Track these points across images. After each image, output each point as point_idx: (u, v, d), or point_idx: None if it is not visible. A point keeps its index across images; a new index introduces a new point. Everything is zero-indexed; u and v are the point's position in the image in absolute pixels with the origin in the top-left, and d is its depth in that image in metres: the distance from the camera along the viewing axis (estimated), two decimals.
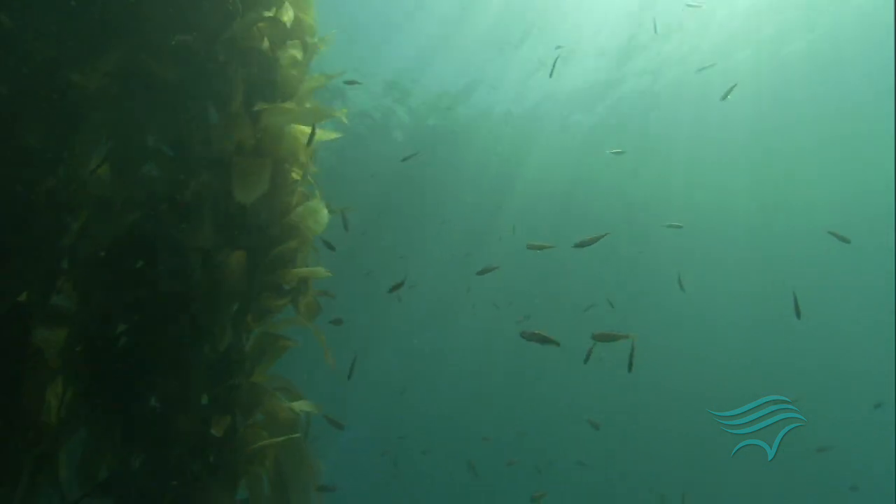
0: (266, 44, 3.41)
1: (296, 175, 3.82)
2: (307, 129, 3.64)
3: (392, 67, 15.47)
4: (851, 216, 18.68)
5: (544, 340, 3.98)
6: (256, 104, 3.32)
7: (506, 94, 16.54)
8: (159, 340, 2.95)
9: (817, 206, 19.29)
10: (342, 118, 4.03)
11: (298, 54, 3.52)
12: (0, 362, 2.46)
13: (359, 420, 27.61)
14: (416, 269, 20.80)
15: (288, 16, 3.58)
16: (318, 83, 3.91)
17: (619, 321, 23.16)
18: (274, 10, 3.55)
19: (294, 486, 3.00)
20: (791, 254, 21.23)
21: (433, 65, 15.44)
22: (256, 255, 3.44)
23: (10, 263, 2.66)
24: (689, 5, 11.89)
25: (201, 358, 3.13)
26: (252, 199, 3.11)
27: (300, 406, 3.52)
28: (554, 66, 9.80)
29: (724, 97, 8.86)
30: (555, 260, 20.73)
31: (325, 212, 3.84)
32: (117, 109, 2.98)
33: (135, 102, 2.99)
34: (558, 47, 11.28)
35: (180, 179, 3.19)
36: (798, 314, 5.60)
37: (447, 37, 14.41)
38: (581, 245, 4.43)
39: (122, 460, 2.61)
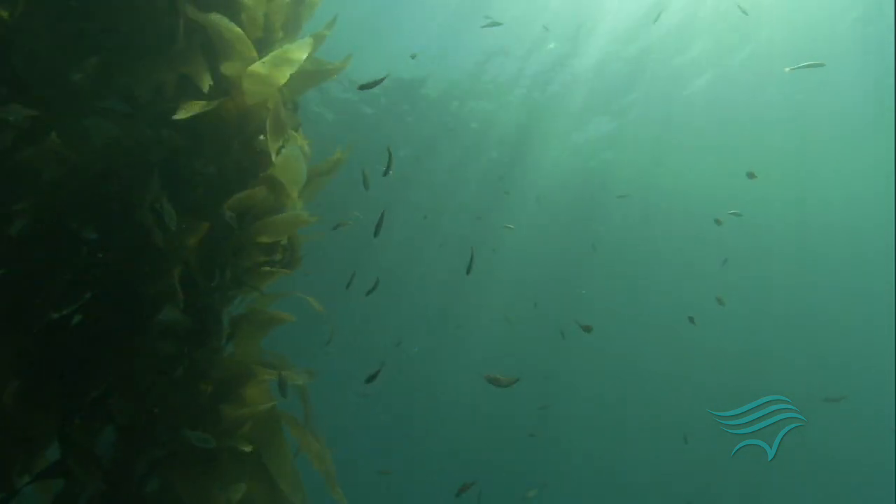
0: None
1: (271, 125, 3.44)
2: (283, 72, 3.16)
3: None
4: (851, 215, 17.99)
5: (501, 383, 3.92)
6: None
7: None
8: (113, 308, 2.74)
9: (816, 204, 18.37)
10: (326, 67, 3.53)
11: None
12: None
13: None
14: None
15: None
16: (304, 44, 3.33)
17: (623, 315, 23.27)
18: None
19: (276, 470, 2.89)
20: (790, 252, 20.50)
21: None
22: (221, 210, 3.16)
23: None
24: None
25: (167, 325, 2.94)
26: (186, 115, 2.76)
27: (291, 378, 3.35)
28: None
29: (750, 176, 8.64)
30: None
31: (301, 165, 3.49)
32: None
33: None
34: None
35: (129, 136, 2.85)
36: None
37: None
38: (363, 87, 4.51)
39: (70, 441, 2.47)
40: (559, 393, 27.11)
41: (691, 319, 8.63)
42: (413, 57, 8.77)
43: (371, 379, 4.38)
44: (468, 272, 5.35)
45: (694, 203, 18.66)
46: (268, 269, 3.43)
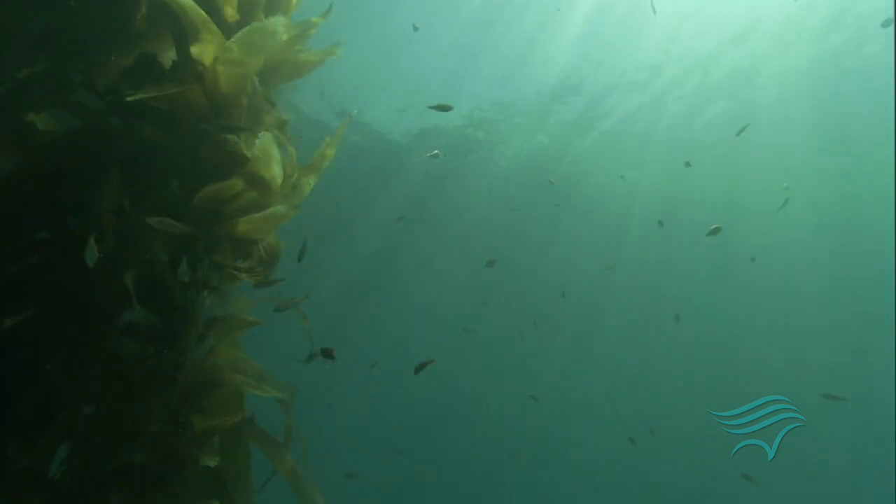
0: None
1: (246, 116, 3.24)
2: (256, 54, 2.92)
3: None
4: (852, 216, 18.15)
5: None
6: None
7: None
8: (66, 313, 2.51)
9: (816, 206, 18.41)
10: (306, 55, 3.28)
11: None
12: None
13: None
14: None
15: None
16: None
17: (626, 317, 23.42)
18: None
19: (232, 480, 2.69)
20: (790, 253, 20.48)
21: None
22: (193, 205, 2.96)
23: None
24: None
25: (129, 324, 2.72)
26: (145, 96, 2.54)
27: (266, 391, 3.13)
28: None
29: (739, 133, 9.37)
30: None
31: (276, 156, 3.29)
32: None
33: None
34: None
35: (91, 128, 2.63)
36: None
37: None
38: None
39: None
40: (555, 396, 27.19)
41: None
42: (415, 29, 8.80)
43: (314, 357, 4.13)
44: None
45: (692, 208, 18.79)
46: (234, 272, 3.22)
